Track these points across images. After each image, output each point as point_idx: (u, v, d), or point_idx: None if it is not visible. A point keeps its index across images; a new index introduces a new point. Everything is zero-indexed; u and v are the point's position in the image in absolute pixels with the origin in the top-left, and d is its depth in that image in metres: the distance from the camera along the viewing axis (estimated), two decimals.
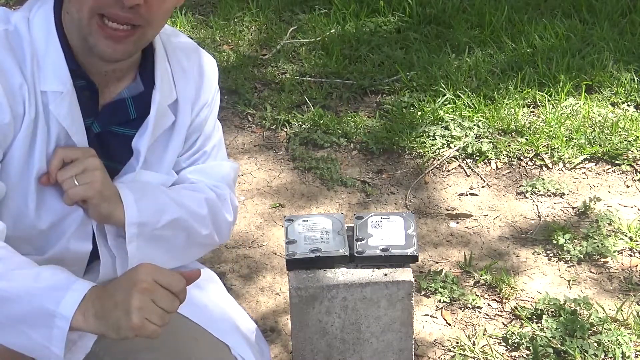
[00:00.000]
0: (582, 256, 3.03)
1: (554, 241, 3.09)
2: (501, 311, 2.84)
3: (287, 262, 1.93)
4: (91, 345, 1.62)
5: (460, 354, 2.67)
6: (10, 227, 1.61)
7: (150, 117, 1.73)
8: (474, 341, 2.72)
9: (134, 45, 1.65)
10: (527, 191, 3.40)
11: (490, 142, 3.64)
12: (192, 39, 2.01)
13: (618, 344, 2.62)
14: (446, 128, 3.72)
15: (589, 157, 3.57)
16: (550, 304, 2.79)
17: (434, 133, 3.69)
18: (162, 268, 1.49)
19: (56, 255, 1.73)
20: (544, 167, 3.55)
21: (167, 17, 1.69)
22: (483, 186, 3.46)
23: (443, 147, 3.64)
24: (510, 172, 3.54)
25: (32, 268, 1.52)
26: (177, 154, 1.84)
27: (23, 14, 1.65)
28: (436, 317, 2.83)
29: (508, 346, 2.69)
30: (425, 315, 2.83)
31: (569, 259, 3.04)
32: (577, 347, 2.61)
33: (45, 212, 1.69)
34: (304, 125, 3.81)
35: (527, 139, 3.65)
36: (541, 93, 3.93)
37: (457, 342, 2.71)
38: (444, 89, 3.94)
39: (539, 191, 3.40)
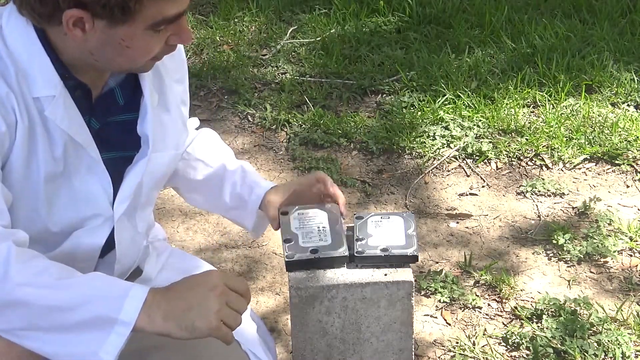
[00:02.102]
0: (582, 256, 3.03)
1: (554, 241, 3.09)
2: (501, 311, 2.84)
3: (287, 264, 1.93)
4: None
5: (460, 354, 2.67)
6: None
7: (147, 99, 1.73)
8: (474, 341, 2.72)
9: None
10: (527, 191, 3.40)
11: (490, 142, 3.64)
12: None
13: (618, 344, 2.62)
14: (446, 128, 3.72)
15: (589, 157, 3.57)
16: (550, 304, 2.79)
17: (434, 133, 3.69)
18: (228, 273, 1.54)
19: (67, 250, 1.73)
20: (544, 167, 3.55)
21: None
22: (483, 186, 3.46)
23: (443, 147, 3.64)
24: (510, 172, 3.54)
25: (79, 276, 1.52)
26: (176, 129, 1.84)
27: None
28: (436, 317, 2.82)
29: (508, 346, 2.69)
30: (425, 315, 2.83)
31: (569, 259, 3.04)
32: (577, 347, 2.61)
33: (58, 216, 1.69)
34: (304, 125, 3.81)
35: (527, 139, 3.65)
36: (541, 93, 3.93)
37: (457, 342, 2.71)
38: (444, 89, 3.94)
39: (539, 191, 3.40)
